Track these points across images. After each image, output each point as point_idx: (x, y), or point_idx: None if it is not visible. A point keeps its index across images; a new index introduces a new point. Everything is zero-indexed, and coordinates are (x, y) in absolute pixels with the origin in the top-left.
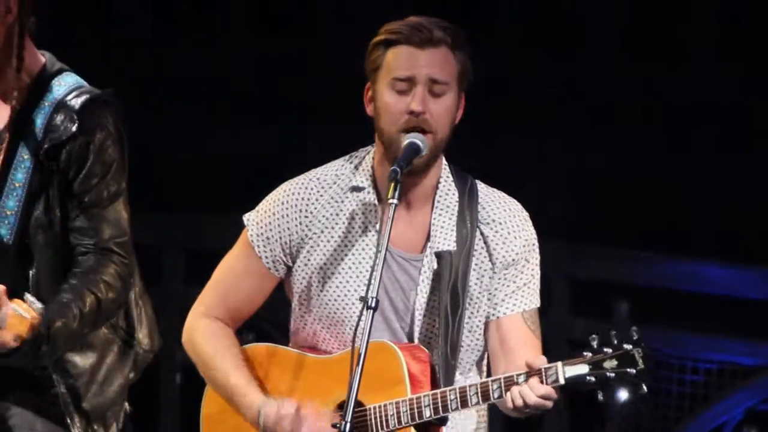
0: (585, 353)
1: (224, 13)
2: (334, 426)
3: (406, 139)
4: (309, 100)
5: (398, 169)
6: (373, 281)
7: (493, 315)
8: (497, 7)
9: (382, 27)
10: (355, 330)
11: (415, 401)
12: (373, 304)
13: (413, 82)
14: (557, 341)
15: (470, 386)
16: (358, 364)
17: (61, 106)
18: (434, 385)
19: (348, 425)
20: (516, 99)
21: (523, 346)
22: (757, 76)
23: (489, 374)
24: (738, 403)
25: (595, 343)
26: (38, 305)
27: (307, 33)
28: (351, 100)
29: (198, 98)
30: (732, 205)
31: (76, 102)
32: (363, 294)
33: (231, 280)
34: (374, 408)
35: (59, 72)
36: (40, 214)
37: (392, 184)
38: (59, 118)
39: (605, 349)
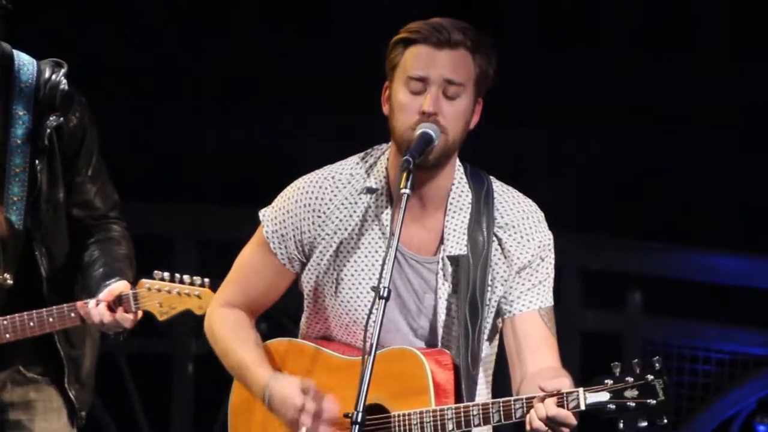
0: (606, 381)
1: (237, 8)
2: (345, 416)
3: (419, 129)
4: (322, 95)
5: (410, 159)
6: (385, 271)
7: (509, 313)
8: (508, 6)
9: (403, 26)
10: (367, 320)
11: (438, 413)
12: (385, 294)
13: (427, 82)
14: (569, 333)
15: (493, 403)
16: (370, 354)
17: (42, 86)
18: (458, 392)
19: (359, 415)
20: (530, 95)
21: (543, 345)
22: (763, 63)
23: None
24: (750, 394)
25: (617, 371)
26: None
27: (320, 27)
28: (364, 95)
29: (210, 92)
30: (744, 195)
31: (57, 78)
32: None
33: (249, 274)
34: (399, 416)
35: (9, 51)
36: (46, 195)
37: (404, 174)
38: (49, 98)
39: (627, 378)
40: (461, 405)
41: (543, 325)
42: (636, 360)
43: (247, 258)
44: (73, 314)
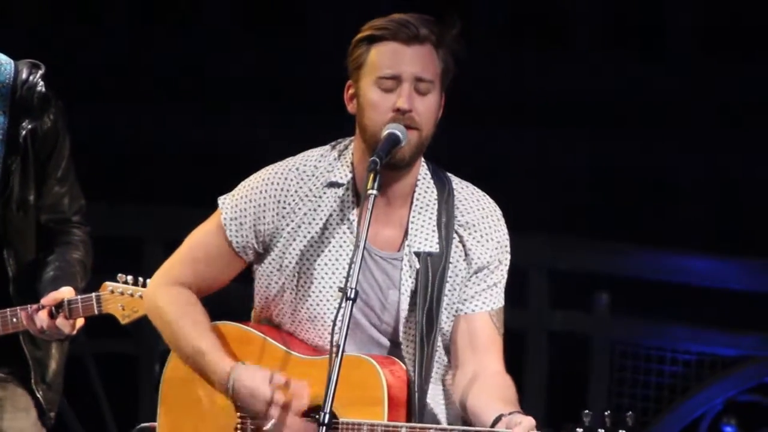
0: (577, 429)
1: (208, 10)
2: (307, 414)
3: (386, 130)
4: (292, 96)
5: (377, 160)
6: (352, 272)
7: (461, 311)
8: (478, 6)
9: (364, 24)
10: (334, 321)
11: (392, 429)
12: (353, 295)
13: (399, 80)
14: (537, 333)
15: (452, 430)
16: (337, 355)
17: (20, 87)
18: (410, 404)
19: (327, 416)
20: (497, 94)
21: (489, 347)
22: (738, 69)
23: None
24: (717, 394)
25: (587, 420)
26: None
27: (291, 29)
28: (336, 97)
29: (178, 93)
30: (713, 197)
31: (34, 80)
32: (341, 285)
33: (200, 256)
34: (347, 423)
35: None
36: (17, 196)
37: (371, 175)
38: (26, 99)
39: (599, 430)
40: (417, 425)
41: (492, 327)
42: (608, 411)
43: (200, 241)
44: (15, 320)
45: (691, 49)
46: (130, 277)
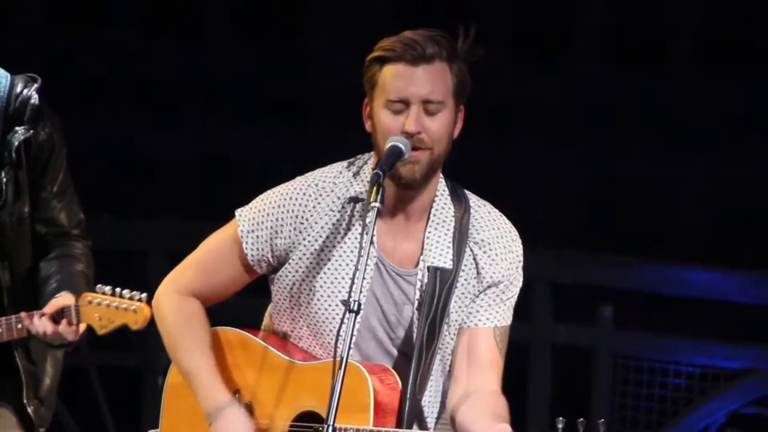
0: None
1: (207, 15)
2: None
3: (389, 143)
4: (291, 104)
5: (380, 173)
6: (355, 284)
7: (465, 324)
8: (482, 13)
9: (378, 42)
10: (338, 333)
11: None
12: (356, 308)
13: (407, 103)
14: (540, 346)
15: None
16: (340, 368)
17: (13, 100)
18: (400, 413)
19: (330, 428)
20: (501, 106)
21: (489, 365)
22: (740, 79)
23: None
24: (721, 407)
25: (560, 426)
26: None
27: (288, 36)
28: (334, 105)
29: (180, 103)
30: (714, 209)
31: (28, 93)
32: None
33: (212, 264)
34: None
35: None
36: (11, 208)
37: (375, 188)
38: (18, 111)
39: None
40: (400, 431)
41: (494, 345)
42: (581, 419)
43: (215, 250)
44: (20, 326)
45: (691, 60)
46: (108, 288)
